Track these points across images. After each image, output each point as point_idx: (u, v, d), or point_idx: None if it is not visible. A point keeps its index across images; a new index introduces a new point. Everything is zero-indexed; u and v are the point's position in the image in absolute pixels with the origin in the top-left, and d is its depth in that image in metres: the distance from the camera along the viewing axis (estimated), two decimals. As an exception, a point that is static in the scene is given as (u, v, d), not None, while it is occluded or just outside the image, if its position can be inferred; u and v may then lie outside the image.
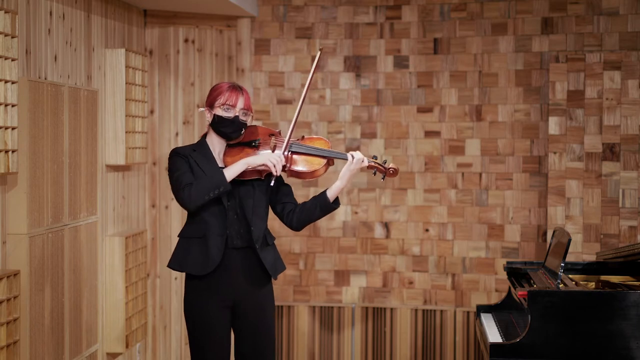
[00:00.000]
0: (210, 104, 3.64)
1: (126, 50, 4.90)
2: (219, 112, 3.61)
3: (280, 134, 3.73)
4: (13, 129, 3.65)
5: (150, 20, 5.59)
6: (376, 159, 3.68)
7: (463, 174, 5.80)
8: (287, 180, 3.90)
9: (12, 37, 3.65)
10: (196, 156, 3.62)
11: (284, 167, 3.62)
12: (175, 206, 5.63)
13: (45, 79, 4.18)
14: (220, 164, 3.65)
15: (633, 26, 5.52)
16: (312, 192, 5.82)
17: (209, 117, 3.65)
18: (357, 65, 5.90)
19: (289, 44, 5.93)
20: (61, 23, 4.37)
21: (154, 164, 5.64)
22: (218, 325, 3.65)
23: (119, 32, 5.14)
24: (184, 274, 3.75)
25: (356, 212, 5.89)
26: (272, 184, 3.60)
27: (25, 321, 3.84)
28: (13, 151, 3.65)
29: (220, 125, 3.62)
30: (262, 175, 3.63)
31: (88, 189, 4.49)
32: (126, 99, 4.90)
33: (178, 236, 3.70)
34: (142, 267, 5.16)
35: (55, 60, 4.30)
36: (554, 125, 5.52)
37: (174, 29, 5.68)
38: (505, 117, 5.73)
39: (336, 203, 3.67)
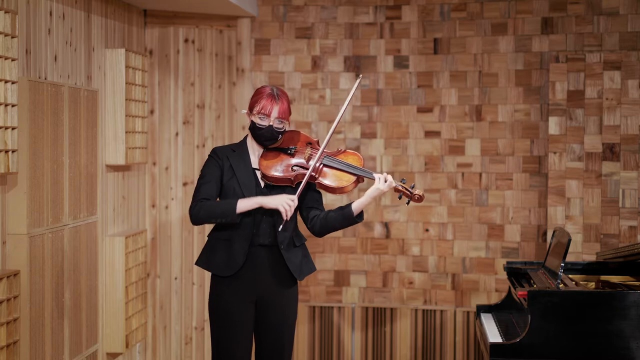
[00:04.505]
0: (250, 108, 3.74)
1: (126, 50, 4.90)
2: (255, 119, 3.70)
3: (318, 143, 3.79)
4: (13, 129, 3.65)
5: (150, 20, 5.59)
6: (404, 183, 3.72)
7: (463, 174, 5.80)
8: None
9: (12, 37, 3.65)
10: (233, 157, 3.72)
11: (314, 178, 3.67)
12: (175, 206, 5.63)
13: (45, 79, 4.18)
14: (256, 166, 3.74)
15: (633, 26, 5.52)
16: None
17: (249, 121, 3.75)
18: (357, 65, 5.89)
19: (289, 44, 5.93)
20: (61, 23, 4.37)
21: (154, 164, 5.64)
22: (241, 322, 3.72)
23: (119, 32, 5.14)
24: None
25: (356, 212, 5.88)
26: (279, 229, 3.63)
27: (25, 321, 3.84)
28: (13, 151, 3.65)
29: (255, 132, 3.72)
30: (293, 184, 3.70)
31: (88, 189, 4.49)
32: (126, 99, 4.90)
33: (207, 235, 3.81)
34: (142, 267, 5.16)
35: (55, 60, 4.30)
36: (554, 125, 5.52)
37: (174, 29, 5.68)
38: (505, 117, 5.73)
39: (360, 217, 3.74)
